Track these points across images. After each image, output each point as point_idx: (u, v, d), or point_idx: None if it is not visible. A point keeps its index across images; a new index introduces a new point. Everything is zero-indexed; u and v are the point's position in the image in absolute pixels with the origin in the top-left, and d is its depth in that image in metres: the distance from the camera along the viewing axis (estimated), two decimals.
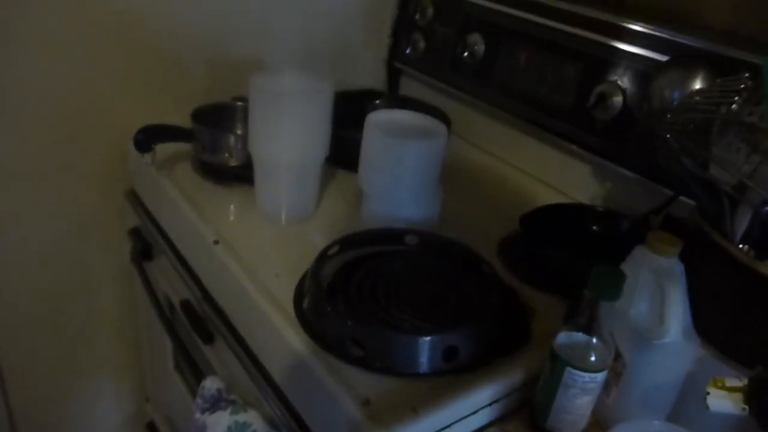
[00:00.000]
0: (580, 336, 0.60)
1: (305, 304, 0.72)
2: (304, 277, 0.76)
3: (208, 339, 0.85)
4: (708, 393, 0.48)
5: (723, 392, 0.48)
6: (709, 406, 0.48)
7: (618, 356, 0.62)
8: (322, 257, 0.75)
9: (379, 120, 0.86)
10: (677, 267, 0.60)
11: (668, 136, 0.57)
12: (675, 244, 0.60)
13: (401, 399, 0.61)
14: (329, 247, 0.77)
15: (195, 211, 0.87)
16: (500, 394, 0.65)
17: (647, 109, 0.72)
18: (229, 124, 1.03)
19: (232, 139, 0.95)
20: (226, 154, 0.95)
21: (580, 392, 0.60)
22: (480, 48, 1.07)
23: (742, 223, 0.58)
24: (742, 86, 0.58)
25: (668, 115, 0.59)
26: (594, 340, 0.59)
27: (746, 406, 0.47)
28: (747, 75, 0.58)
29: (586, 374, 0.59)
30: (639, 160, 0.86)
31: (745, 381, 0.47)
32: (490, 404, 0.64)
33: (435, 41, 1.15)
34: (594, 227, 0.87)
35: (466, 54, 1.07)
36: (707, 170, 0.57)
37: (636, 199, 0.88)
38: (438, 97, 1.17)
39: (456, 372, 0.65)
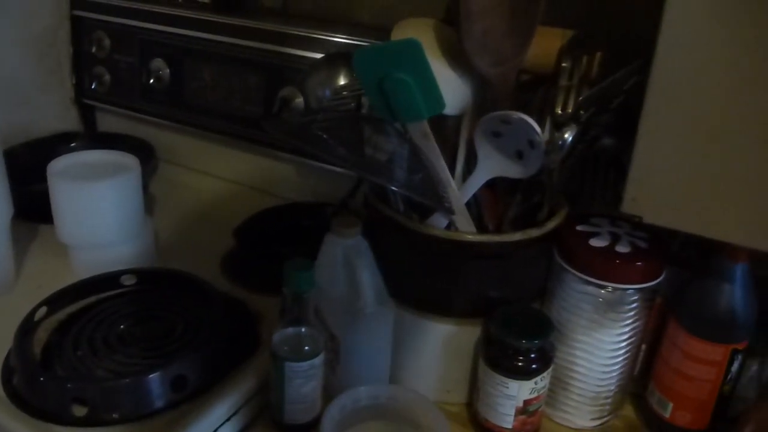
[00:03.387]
0: (290, 330, 0.64)
1: (15, 380, 0.67)
2: (10, 352, 0.70)
3: None
4: None
5: None
6: None
7: (332, 337, 0.68)
8: (27, 324, 0.70)
9: (64, 167, 0.82)
10: (362, 244, 0.67)
11: (322, 134, 0.63)
12: (354, 225, 0.66)
13: None
14: (34, 311, 0.72)
15: None
16: (237, 406, 0.66)
17: (306, 109, 0.78)
18: None
19: None
20: None
21: (304, 380, 0.64)
22: (165, 72, 1.06)
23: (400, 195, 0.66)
24: None
25: (320, 113, 0.65)
26: (303, 330, 0.64)
27: None
28: None
29: (304, 363, 0.63)
30: None
31: None
32: (228, 418, 0.66)
33: (119, 72, 1.12)
34: (305, 222, 0.92)
35: (152, 80, 1.06)
36: (362, 157, 0.64)
37: (339, 187, 0.95)
38: (138, 127, 1.14)
39: (190, 398, 0.65)
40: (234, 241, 0.88)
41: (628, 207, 0.55)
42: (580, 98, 0.52)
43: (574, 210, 0.69)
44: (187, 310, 0.76)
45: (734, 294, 0.62)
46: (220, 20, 1.01)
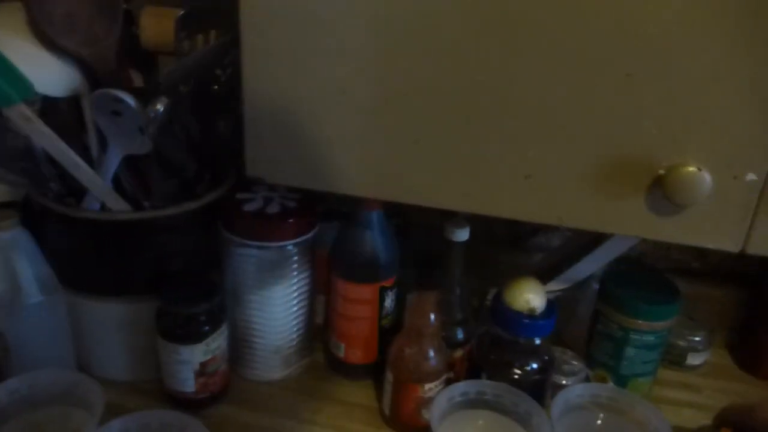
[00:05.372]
0: None
1: None
2: None
3: None
4: None
5: None
6: None
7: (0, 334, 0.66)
8: None
9: None
10: (20, 236, 0.65)
11: None
12: (8, 218, 0.64)
13: None
14: None
15: None
16: None
17: None
18: None
19: None
20: None
21: None
22: None
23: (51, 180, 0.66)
24: None
25: None
26: None
27: None
28: None
29: None
30: None
31: None
32: None
33: None
34: None
35: None
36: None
37: None
38: None
39: None
40: None
41: (250, 170, 0.60)
42: (167, 71, 0.55)
43: (240, 180, 0.73)
44: None
45: (373, 238, 0.70)
46: None
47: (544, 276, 0.81)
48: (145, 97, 0.57)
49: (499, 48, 0.50)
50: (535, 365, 0.69)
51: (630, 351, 0.72)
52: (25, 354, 0.67)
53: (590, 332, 0.77)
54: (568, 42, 0.49)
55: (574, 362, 0.76)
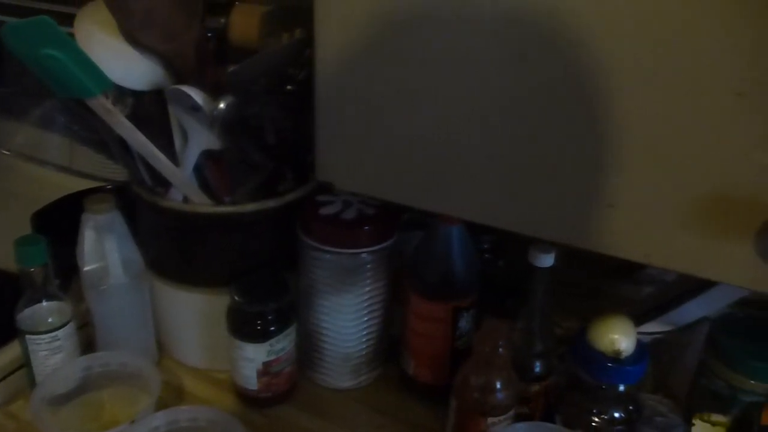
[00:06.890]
0: (33, 304, 0.65)
1: None
2: None
3: None
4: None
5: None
6: None
7: (89, 310, 0.70)
8: None
9: None
10: (115, 219, 0.69)
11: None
12: (105, 202, 0.68)
13: None
14: None
15: None
16: None
17: None
18: None
19: None
20: None
21: (49, 352, 0.66)
22: None
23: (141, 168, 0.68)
24: None
25: None
26: (44, 303, 0.65)
27: None
28: None
29: (45, 335, 0.65)
30: None
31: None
32: None
33: None
34: None
35: None
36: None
37: None
38: None
39: None
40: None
41: (320, 174, 0.58)
42: (233, 69, 0.54)
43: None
44: None
45: (451, 255, 0.65)
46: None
47: (650, 314, 0.73)
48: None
49: (583, 56, 0.44)
50: (617, 414, 0.61)
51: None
52: (109, 332, 0.70)
53: (693, 384, 0.67)
54: (666, 51, 0.42)
55: (671, 415, 0.67)
